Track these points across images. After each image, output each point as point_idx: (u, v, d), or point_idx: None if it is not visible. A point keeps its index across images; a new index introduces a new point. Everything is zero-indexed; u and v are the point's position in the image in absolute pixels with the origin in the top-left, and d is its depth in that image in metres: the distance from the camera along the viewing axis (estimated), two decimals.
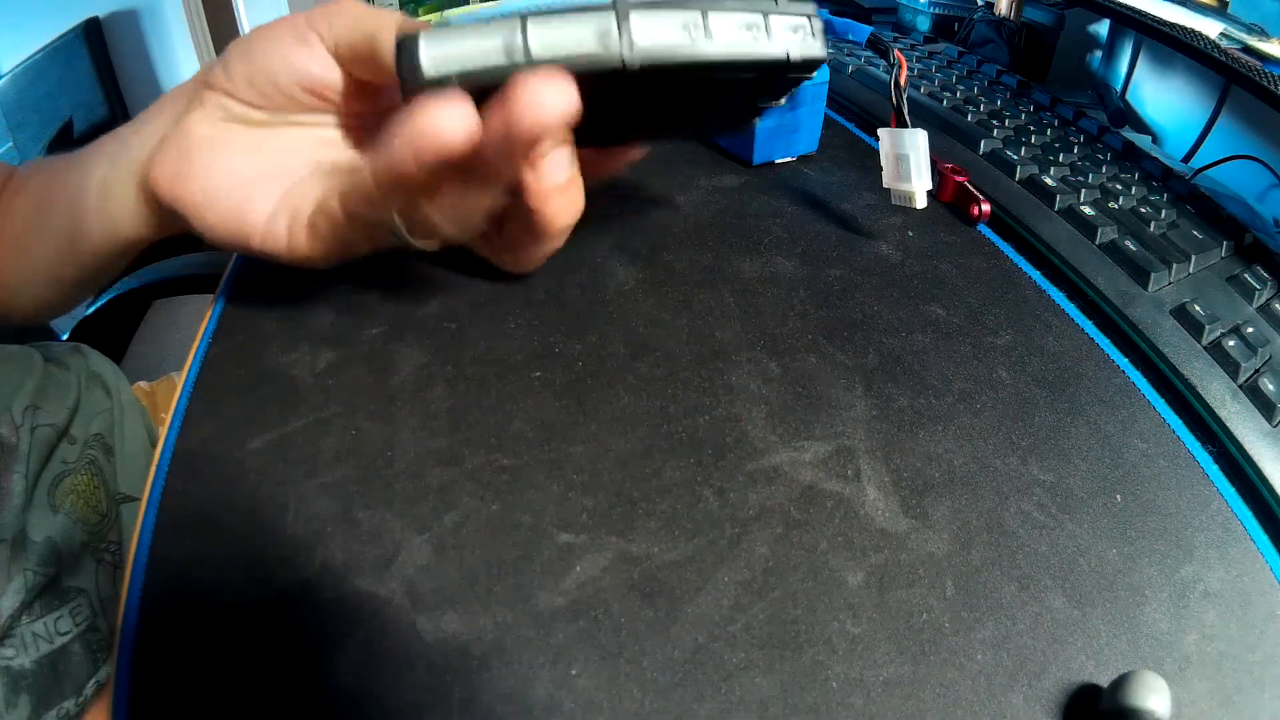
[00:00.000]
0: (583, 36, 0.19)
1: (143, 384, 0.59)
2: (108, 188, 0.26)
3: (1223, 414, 0.26)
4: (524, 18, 0.19)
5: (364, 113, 0.25)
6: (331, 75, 0.24)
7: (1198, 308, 0.29)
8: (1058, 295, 0.30)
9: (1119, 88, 0.55)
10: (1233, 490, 0.24)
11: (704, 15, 0.20)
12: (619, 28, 0.19)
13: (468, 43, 0.19)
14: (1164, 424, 0.25)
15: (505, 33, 0.19)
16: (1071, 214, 0.33)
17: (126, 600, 0.18)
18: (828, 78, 0.35)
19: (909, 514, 0.21)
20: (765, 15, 0.21)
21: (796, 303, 0.28)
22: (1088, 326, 0.29)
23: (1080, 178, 0.36)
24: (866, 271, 0.30)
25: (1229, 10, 0.44)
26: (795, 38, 0.21)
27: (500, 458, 0.22)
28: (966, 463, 0.23)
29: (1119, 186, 0.36)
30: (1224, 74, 0.41)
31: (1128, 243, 0.32)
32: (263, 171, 0.24)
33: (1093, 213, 0.33)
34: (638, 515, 0.20)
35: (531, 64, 0.19)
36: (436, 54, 0.19)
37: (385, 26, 0.22)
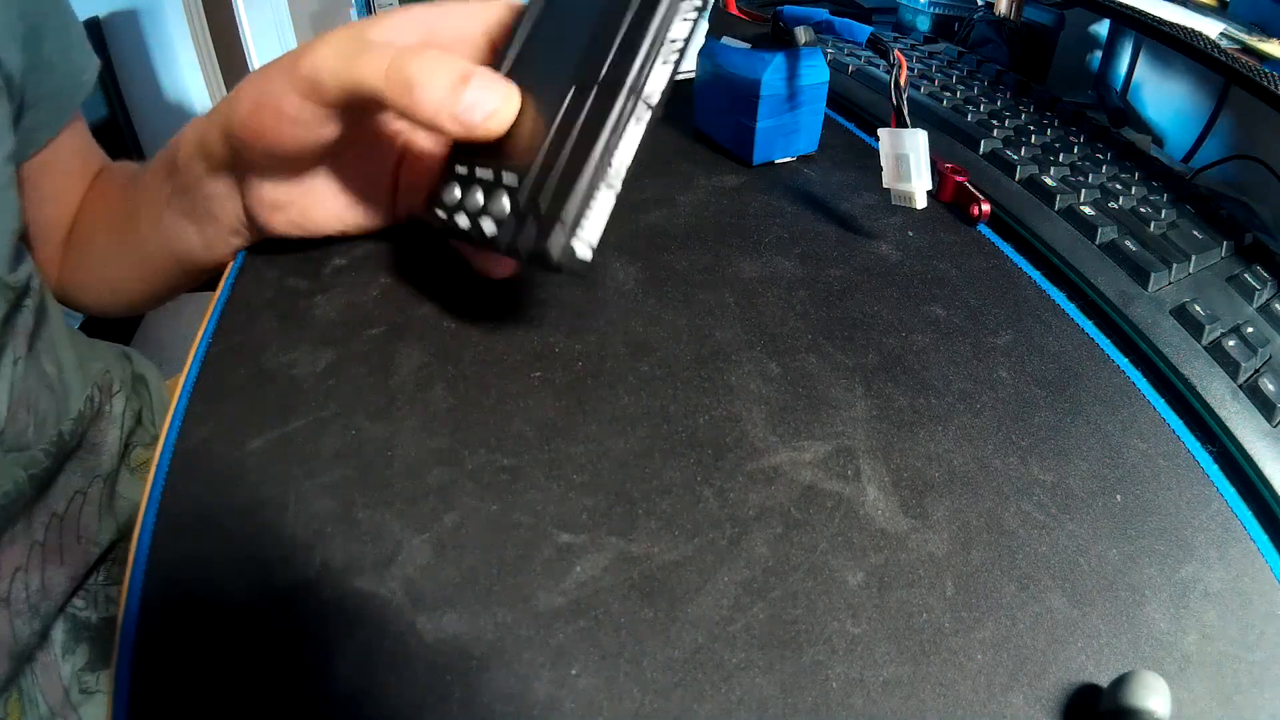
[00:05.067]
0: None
1: None
2: (205, 239, 0.30)
3: (1223, 414, 0.26)
4: None
5: None
6: (338, 129, 0.24)
7: (1198, 308, 0.29)
8: (1058, 295, 0.30)
9: (1119, 88, 0.55)
10: (1233, 490, 0.24)
11: None
12: None
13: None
14: (1164, 424, 0.25)
15: None
16: (1071, 214, 0.33)
17: (126, 600, 0.18)
18: (827, 77, 0.35)
19: (909, 514, 0.21)
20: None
21: (796, 303, 0.28)
22: (1088, 326, 0.29)
23: (1080, 178, 0.36)
24: (866, 271, 0.30)
25: (1229, 10, 0.43)
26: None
27: (500, 458, 0.22)
28: (966, 463, 0.23)
29: (1119, 186, 0.36)
30: (1224, 74, 0.41)
31: (1128, 243, 0.32)
32: (353, 169, 0.28)
33: (1093, 213, 0.33)
34: (638, 515, 0.20)
35: None
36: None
37: (373, 70, 0.22)
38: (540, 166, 0.22)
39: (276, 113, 0.23)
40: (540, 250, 0.22)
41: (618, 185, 0.22)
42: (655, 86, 0.23)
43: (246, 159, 0.25)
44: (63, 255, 0.37)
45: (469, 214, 0.24)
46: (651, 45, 0.22)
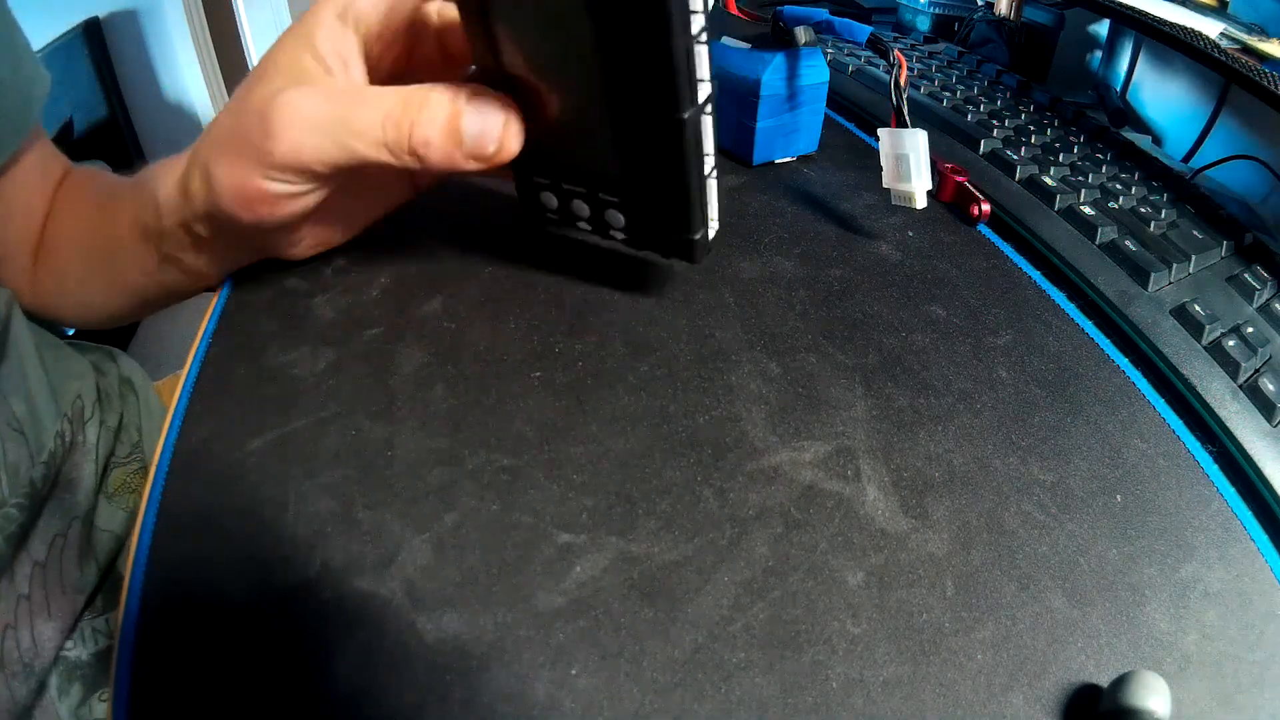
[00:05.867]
0: None
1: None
2: (209, 282, 0.29)
3: (1223, 414, 0.26)
4: None
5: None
6: (339, 180, 0.24)
7: (1198, 308, 0.29)
8: (1058, 295, 0.30)
9: (1119, 88, 0.55)
10: (1233, 490, 0.24)
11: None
12: None
13: None
14: (1164, 424, 0.25)
15: None
16: (1071, 214, 0.33)
17: (126, 600, 0.18)
18: (827, 77, 0.35)
19: (909, 514, 0.21)
20: None
21: (796, 303, 0.28)
22: (1088, 326, 0.29)
23: (1080, 178, 0.36)
24: (866, 271, 0.30)
25: (1229, 10, 0.43)
26: None
27: (500, 458, 0.22)
28: (966, 463, 0.23)
29: (1119, 186, 0.36)
30: (1224, 74, 0.41)
31: (1128, 243, 0.32)
32: (361, 178, 0.27)
33: (1093, 213, 0.33)
34: (638, 515, 0.20)
35: None
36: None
37: (370, 143, 0.22)
38: (638, 187, 0.24)
39: (264, 197, 0.23)
40: (682, 257, 0.25)
41: (713, 165, 0.24)
42: (703, 71, 0.22)
43: (246, 231, 0.25)
44: (36, 270, 0.35)
45: (582, 219, 0.26)
46: (689, 50, 0.22)
